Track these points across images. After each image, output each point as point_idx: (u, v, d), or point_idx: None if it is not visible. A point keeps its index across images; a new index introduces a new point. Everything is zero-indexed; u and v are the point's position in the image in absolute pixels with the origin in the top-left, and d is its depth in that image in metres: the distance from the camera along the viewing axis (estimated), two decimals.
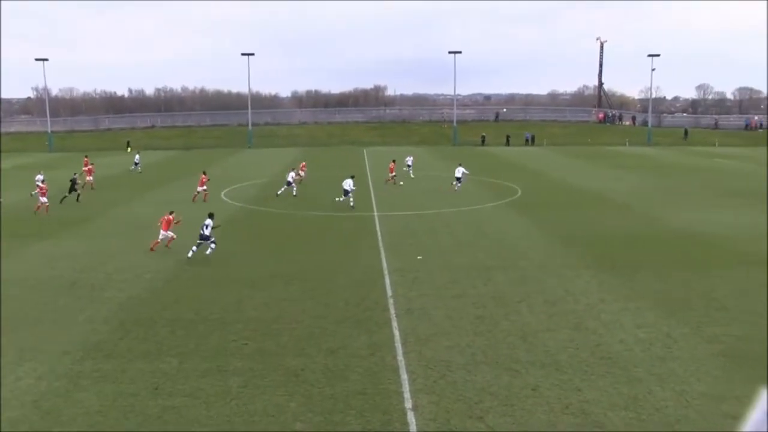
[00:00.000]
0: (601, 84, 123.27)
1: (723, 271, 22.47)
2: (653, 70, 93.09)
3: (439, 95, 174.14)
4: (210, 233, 24.33)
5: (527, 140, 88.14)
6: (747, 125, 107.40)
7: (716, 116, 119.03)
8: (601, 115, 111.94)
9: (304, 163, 49.46)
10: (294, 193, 40.16)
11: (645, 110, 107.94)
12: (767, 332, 16.07)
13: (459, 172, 42.67)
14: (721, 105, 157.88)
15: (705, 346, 15.53)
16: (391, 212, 34.20)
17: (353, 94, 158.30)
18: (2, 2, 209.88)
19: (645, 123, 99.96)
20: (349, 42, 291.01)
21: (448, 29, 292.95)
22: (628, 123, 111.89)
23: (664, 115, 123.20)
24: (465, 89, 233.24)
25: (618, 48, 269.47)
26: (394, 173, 45.86)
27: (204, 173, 39.63)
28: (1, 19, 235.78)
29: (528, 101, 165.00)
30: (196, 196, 38.33)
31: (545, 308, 18.30)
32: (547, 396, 12.81)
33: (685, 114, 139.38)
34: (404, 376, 13.70)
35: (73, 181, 38.92)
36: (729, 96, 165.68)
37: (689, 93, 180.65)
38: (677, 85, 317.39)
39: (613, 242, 27.15)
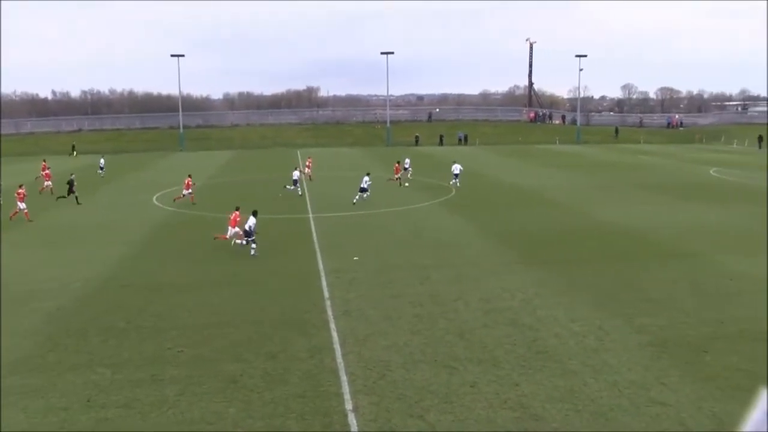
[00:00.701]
0: (531, 84, 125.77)
1: (649, 264, 23.26)
2: (581, 70, 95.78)
3: (372, 96, 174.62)
4: (253, 232, 25.01)
5: (460, 140, 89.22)
6: (669, 123, 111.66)
7: (641, 115, 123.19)
8: (531, 115, 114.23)
9: (310, 159, 50.76)
10: (299, 193, 40.68)
11: (574, 109, 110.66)
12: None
13: (456, 168, 44.77)
14: (644, 104, 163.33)
15: (635, 337, 16.03)
16: (326, 213, 34.09)
17: (286, 96, 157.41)
18: (2, 2, 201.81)
19: (574, 122, 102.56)
20: (280, 43, 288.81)
21: (380, 30, 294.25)
22: (558, 122, 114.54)
23: (592, 114, 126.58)
24: (398, 90, 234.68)
25: (547, 49, 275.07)
26: (399, 175, 45.41)
27: (189, 176, 39.13)
28: (1, 19, 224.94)
29: (460, 101, 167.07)
30: (181, 198, 37.99)
31: (481, 305, 18.55)
32: (485, 392, 12.98)
33: (611, 113, 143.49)
34: (344, 378, 13.67)
35: (71, 183, 38.81)
36: (652, 95, 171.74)
37: (615, 92, 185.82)
38: (604, 84, 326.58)
39: (546, 238, 27.74)
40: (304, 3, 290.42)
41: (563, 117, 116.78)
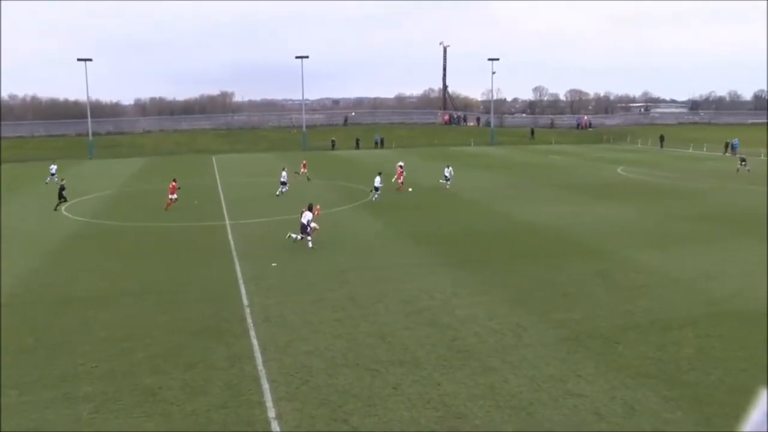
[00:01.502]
0: (445, 87, 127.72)
1: (564, 261, 23.98)
2: (494, 73, 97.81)
3: (287, 100, 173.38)
4: (309, 226, 26.38)
5: (377, 143, 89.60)
6: (578, 124, 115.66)
7: (552, 116, 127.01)
8: (446, 117, 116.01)
9: (305, 161, 52.92)
10: (277, 193, 41.78)
11: (488, 111, 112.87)
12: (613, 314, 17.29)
13: (447, 171, 45.94)
14: (555, 106, 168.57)
15: (551, 332, 16.48)
16: (243, 220, 33.62)
17: (199, 101, 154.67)
18: (2, 2, 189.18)
19: (488, 124, 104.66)
20: (193, 47, 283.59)
21: (295, 33, 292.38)
22: (472, 124, 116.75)
23: (506, 115, 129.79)
24: (313, 94, 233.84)
25: (461, 52, 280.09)
26: (401, 179, 44.79)
27: (174, 180, 38.29)
28: (1, 19, 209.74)
29: (376, 104, 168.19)
30: (169, 203, 37.03)
31: (402, 307, 18.68)
32: (408, 393, 13.07)
33: (524, 114, 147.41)
34: (266, 386, 13.51)
35: (62, 188, 38.81)
36: (562, 97, 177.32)
37: (527, 95, 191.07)
38: (516, 87, 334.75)
39: (463, 238, 28.20)
40: (216, 4, 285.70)
41: (478, 119, 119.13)
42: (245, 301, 19.54)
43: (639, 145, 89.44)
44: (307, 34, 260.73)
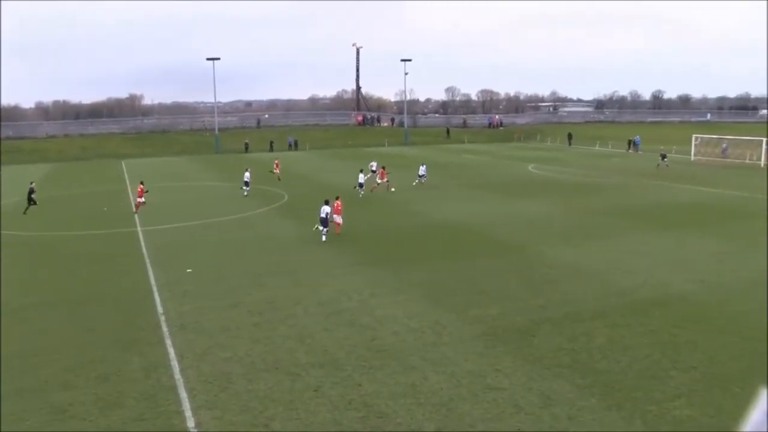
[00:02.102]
0: (358, 88, 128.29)
1: (478, 258, 24.47)
2: (406, 74, 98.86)
3: (199, 103, 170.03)
4: (328, 220, 27.89)
5: (290, 145, 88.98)
6: (490, 124, 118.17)
7: (464, 116, 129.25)
8: (359, 118, 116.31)
9: (277, 161, 53.72)
10: (245, 194, 41.96)
11: (401, 112, 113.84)
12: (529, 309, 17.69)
13: (422, 170, 47.28)
14: (467, 106, 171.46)
15: (469, 328, 16.76)
16: (156, 226, 32.72)
17: (107, 104, 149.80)
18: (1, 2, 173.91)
19: (402, 124, 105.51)
20: (99, 47, 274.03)
21: (206, 35, 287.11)
22: (386, 124, 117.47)
23: (419, 116, 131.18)
24: (226, 96, 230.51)
25: (374, 53, 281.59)
26: (385, 179, 44.15)
27: (142, 183, 37.92)
28: (1, 20, 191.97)
29: (289, 106, 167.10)
30: (138, 206, 36.70)
31: (320, 309, 18.61)
32: (329, 395, 13.02)
33: (437, 114, 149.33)
34: (184, 395, 13.19)
35: (31, 191, 38.35)
36: (474, 97, 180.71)
37: (440, 95, 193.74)
38: (429, 87, 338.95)
39: (380, 238, 28.34)
40: (122, 4, 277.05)
41: (392, 120, 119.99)
42: (160, 309, 19.03)
43: (548, 143, 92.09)
44: (219, 35, 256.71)
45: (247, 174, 43.48)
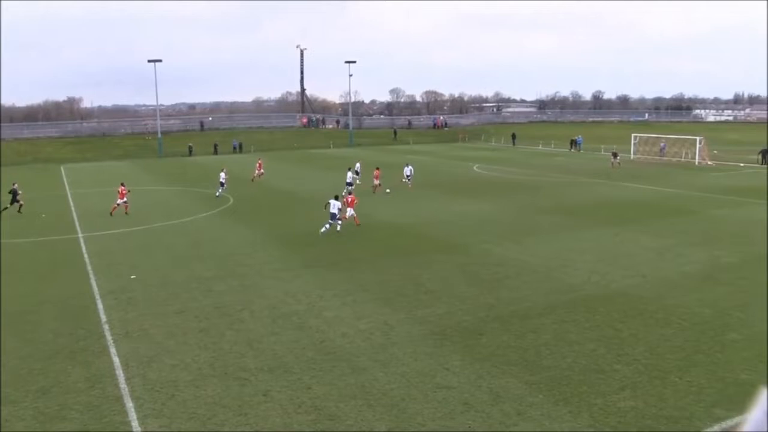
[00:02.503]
0: (303, 90, 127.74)
1: (425, 257, 24.61)
2: (351, 75, 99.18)
3: (141, 106, 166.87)
4: (338, 214, 29.26)
5: (235, 148, 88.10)
6: (434, 124, 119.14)
7: (409, 117, 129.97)
8: (304, 120, 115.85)
9: (260, 161, 54.76)
10: (217, 194, 42.28)
11: (346, 113, 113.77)
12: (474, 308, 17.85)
13: (407, 170, 46.91)
14: (412, 107, 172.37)
15: (418, 328, 16.83)
16: (97, 232, 31.96)
17: (43, 107, 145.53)
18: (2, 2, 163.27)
19: (347, 126, 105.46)
20: (34, 49, 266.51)
21: (147, 36, 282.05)
22: (331, 126, 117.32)
23: (364, 117, 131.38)
24: (168, 99, 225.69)
25: (318, 54, 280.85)
26: (379, 181, 43.54)
27: (122, 184, 37.29)
28: (2, 20, 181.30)
29: (233, 109, 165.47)
30: (115, 208, 36.39)
31: (268, 312, 18.45)
32: (279, 399, 12.92)
33: (382, 116, 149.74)
34: (130, 404, 12.90)
35: (14, 192, 38.10)
36: (418, 99, 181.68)
37: (384, 96, 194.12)
38: (373, 89, 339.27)
39: (326, 240, 28.23)
40: (58, 4, 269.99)
41: (337, 121, 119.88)
42: (103, 317, 18.57)
43: (493, 143, 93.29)
44: (160, 37, 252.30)
45: (222, 174, 43.54)
